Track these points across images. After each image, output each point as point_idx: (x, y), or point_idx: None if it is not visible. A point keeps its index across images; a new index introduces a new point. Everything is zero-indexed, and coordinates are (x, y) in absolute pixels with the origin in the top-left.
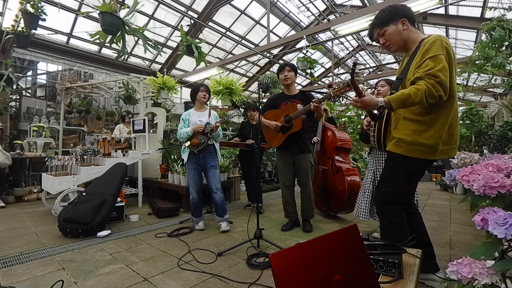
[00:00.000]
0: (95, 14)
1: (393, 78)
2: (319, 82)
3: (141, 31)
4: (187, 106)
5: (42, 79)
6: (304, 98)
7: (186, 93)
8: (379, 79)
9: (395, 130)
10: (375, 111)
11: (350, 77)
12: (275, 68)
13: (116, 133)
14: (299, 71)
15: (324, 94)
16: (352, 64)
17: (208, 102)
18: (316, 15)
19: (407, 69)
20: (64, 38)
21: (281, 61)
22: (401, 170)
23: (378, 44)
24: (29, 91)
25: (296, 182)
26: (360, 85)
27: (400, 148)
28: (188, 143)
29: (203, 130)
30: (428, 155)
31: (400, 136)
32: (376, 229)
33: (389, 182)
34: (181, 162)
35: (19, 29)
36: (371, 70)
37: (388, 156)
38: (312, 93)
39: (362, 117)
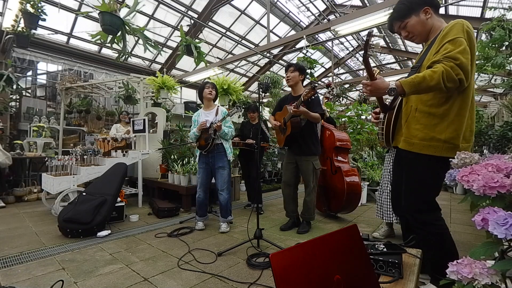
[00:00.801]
0: (95, 14)
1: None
2: (319, 82)
3: (141, 31)
4: (187, 106)
5: (42, 79)
6: None
7: (186, 93)
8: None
9: (406, 124)
10: (387, 101)
11: (363, 52)
12: (275, 68)
13: (113, 131)
14: None
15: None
16: (366, 35)
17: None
18: (316, 15)
19: (424, 57)
20: (64, 38)
21: (281, 61)
22: (420, 172)
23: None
24: (29, 91)
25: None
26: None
27: (411, 145)
28: (197, 144)
29: (207, 128)
30: (445, 152)
31: (411, 132)
32: (376, 229)
33: (414, 189)
34: (181, 162)
35: (19, 29)
36: None
37: (401, 158)
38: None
39: (363, 117)
